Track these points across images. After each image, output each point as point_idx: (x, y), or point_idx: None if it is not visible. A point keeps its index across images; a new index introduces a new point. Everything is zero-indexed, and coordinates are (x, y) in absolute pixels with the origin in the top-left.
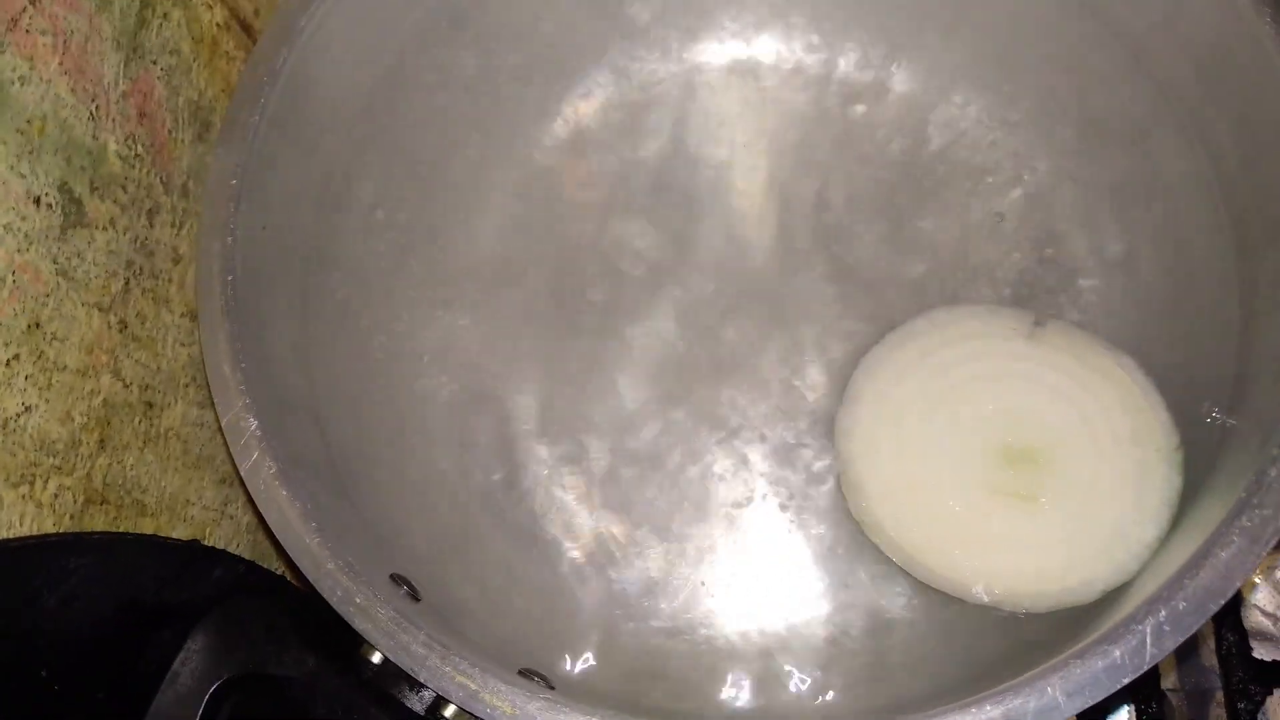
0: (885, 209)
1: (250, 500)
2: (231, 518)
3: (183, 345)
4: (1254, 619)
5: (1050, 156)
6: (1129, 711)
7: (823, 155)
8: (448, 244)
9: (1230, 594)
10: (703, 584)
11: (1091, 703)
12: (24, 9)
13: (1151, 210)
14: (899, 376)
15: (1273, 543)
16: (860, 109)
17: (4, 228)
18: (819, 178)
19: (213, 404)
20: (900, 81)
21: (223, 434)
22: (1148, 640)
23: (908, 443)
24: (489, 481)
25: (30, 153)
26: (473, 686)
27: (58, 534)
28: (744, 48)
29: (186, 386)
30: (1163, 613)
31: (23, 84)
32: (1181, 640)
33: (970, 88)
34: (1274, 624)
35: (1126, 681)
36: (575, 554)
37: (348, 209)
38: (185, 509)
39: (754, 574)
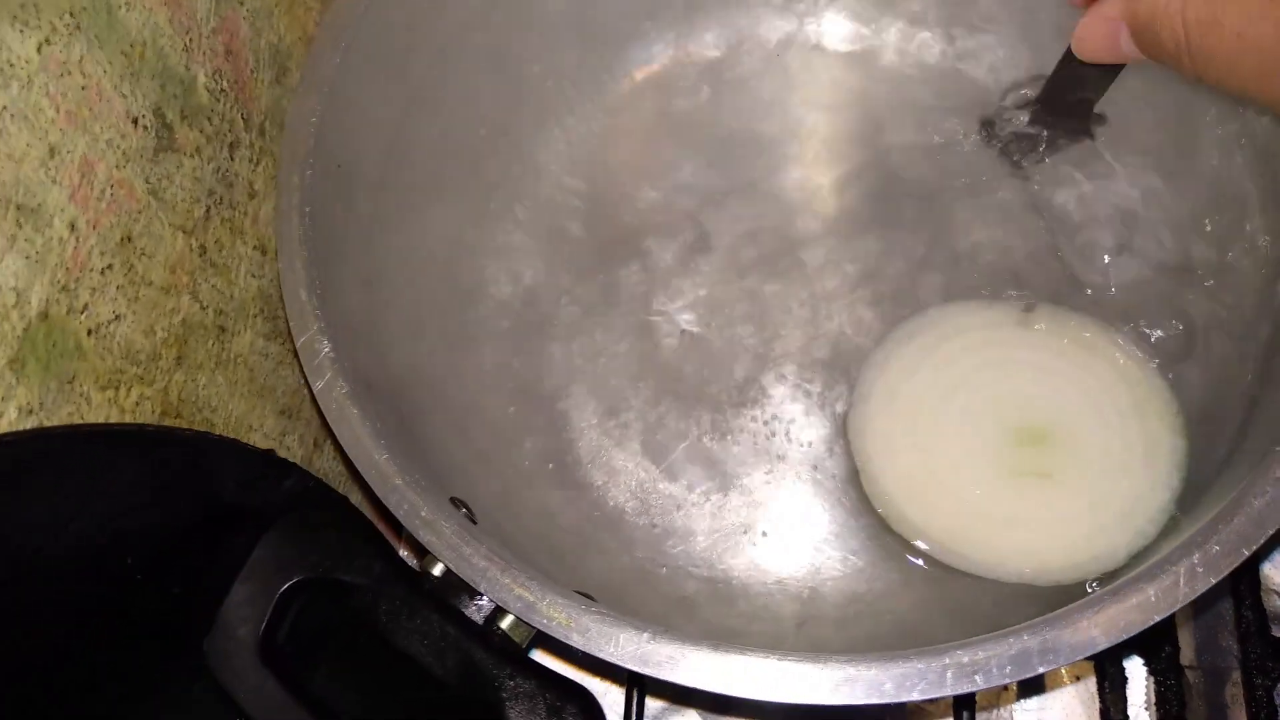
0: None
1: (310, 429)
2: (289, 449)
3: (253, 277)
4: (1272, 603)
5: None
6: (1148, 686)
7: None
8: (509, 187)
9: (1262, 540)
10: (744, 533)
11: (1124, 638)
12: None
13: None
14: (906, 372)
15: None
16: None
17: (106, 143)
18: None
19: (279, 334)
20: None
21: (297, 356)
22: (1181, 580)
23: (922, 435)
24: (536, 422)
25: (131, 75)
26: (530, 598)
27: (153, 426)
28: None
29: (255, 317)
30: (1197, 555)
31: (128, 9)
32: (1214, 582)
33: None
34: None
35: (1158, 619)
36: (617, 499)
37: (416, 152)
38: (248, 434)
39: (789, 528)
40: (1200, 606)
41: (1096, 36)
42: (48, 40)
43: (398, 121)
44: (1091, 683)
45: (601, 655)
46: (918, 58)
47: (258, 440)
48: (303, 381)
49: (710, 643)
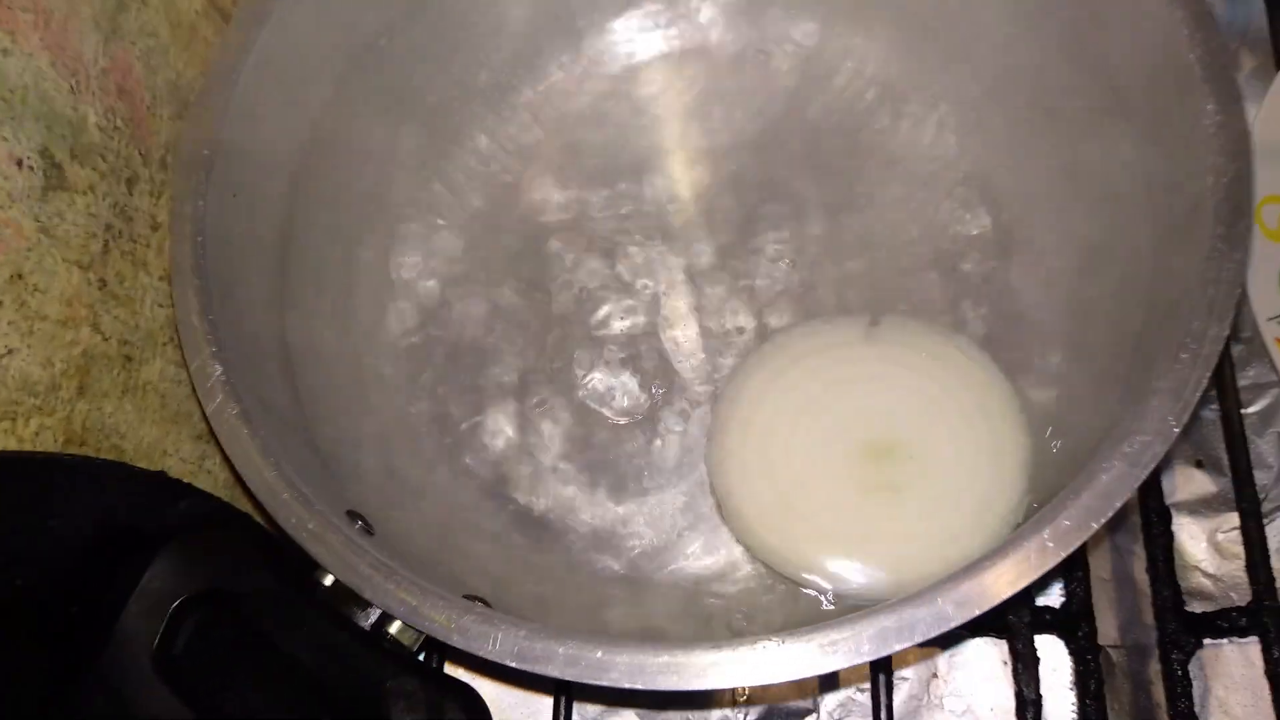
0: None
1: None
2: (209, 472)
3: (161, 306)
4: (1195, 580)
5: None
6: (1071, 668)
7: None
8: (414, 208)
9: (1110, 513)
10: (644, 537)
11: (977, 613)
12: None
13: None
14: (756, 401)
15: (1150, 466)
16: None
17: None
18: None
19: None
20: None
21: (190, 380)
22: (1032, 555)
23: (775, 462)
24: (449, 432)
25: (13, 119)
26: (413, 602)
27: (39, 452)
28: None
29: (165, 345)
30: (1047, 530)
31: (5, 55)
32: (1065, 555)
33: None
34: (1214, 584)
35: (1008, 595)
36: (531, 506)
37: (318, 179)
38: (162, 459)
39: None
40: (1122, 586)
41: None
42: None
43: (301, 150)
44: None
45: (480, 653)
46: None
47: (174, 465)
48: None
49: (583, 636)
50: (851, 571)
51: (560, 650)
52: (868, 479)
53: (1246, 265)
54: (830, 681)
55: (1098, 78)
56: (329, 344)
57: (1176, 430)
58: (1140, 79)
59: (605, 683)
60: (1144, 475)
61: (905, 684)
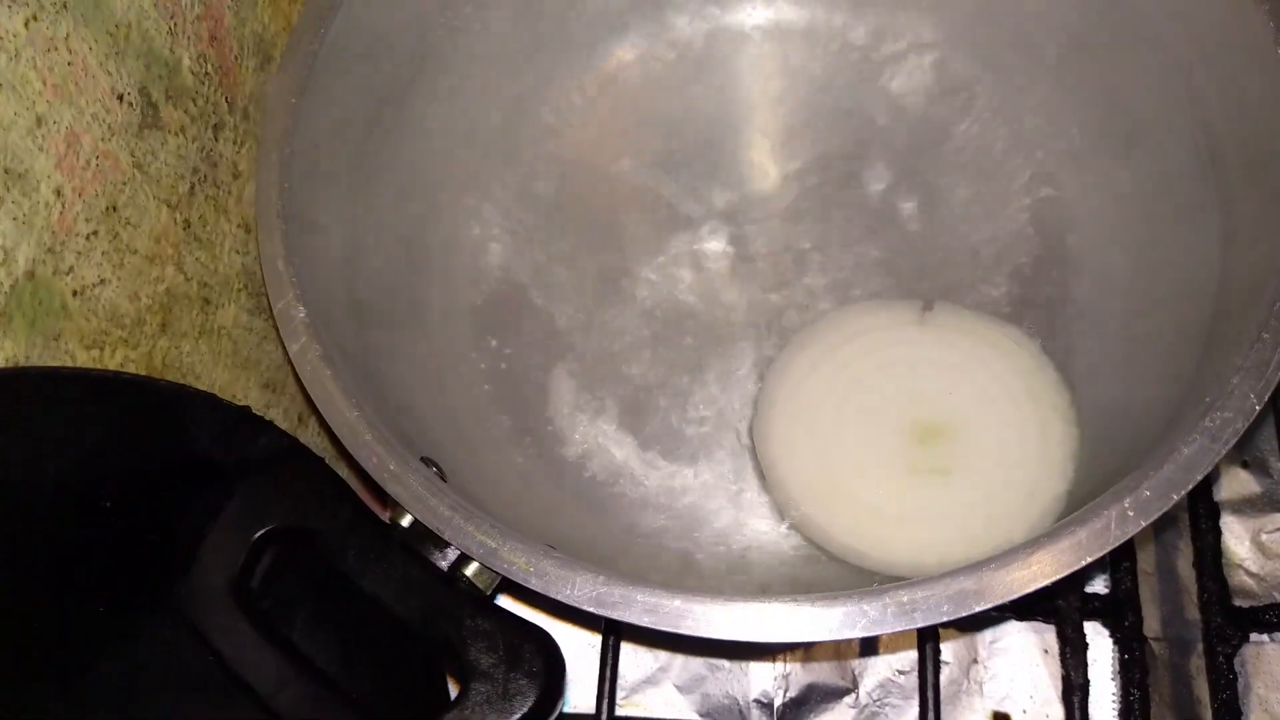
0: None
1: (294, 403)
2: (274, 420)
3: (237, 253)
4: (1238, 578)
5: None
6: (1112, 656)
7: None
8: (486, 171)
9: (1190, 486)
10: (713, 509)
11: (1057, 577)
12: None
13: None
14: (805, 377)
15: (1232, 442)
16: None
17: (91, 116)
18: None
19: (263, 310)
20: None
21: (275, 323)
22: (1112, 523)
23: (824, 439)
24: (511, 393)
25: (116, 54)
26: (492, 544)
27: (130, 374)
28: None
29: (239, 292)
30: (1128, 499)
31: None
32: (1144, 525)
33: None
34: (1257, 583)
35: (1088, 561)
36: (588, 470)
37: (399, 131)
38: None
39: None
40: (1166, 580)
41: None
42: (35, 17)
43: (374, 108)
44: (1055, 649)
45: (559, 597)
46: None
47: None
48: (287, 357)
49: (660, 585)
50: (893, 550)
51: (639, 598)
52: (915, 460)
53: None
54: (869, 664)
55: (1174, 78)
56: (399, 297)
57: (1258, 407)
58: (1219, 77)
59: (682, 630)
60: (1224, 450)
61: (946, 668)
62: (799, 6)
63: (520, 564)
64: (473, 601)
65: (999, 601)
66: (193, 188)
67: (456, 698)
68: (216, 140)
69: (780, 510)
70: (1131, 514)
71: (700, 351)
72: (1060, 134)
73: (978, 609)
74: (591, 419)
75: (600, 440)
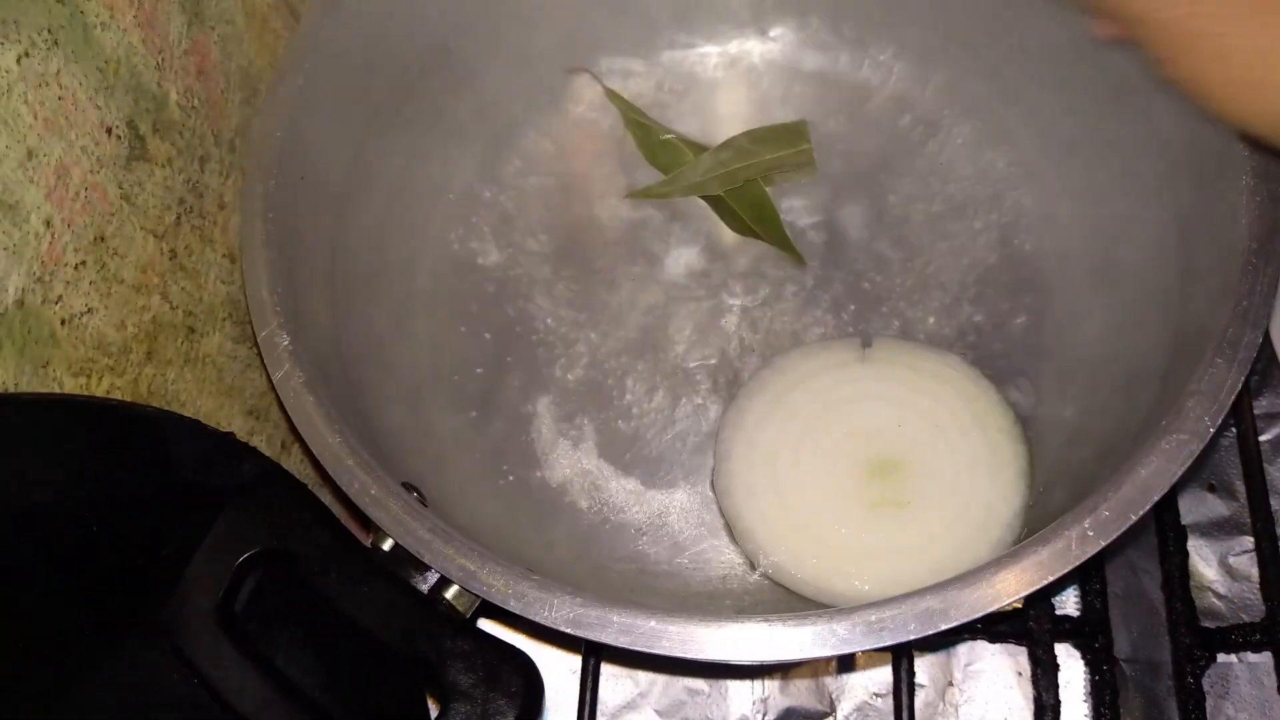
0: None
1: (278, 430)
2: (258, 446)
3: (222, 283)
4: (1207, 600)
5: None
6: (1085, 678)
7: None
8: (468, 200)
9: (1147, 506)
10: (692, 536)
11: (1020, 596)
12: None
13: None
14: (758, 427)
15: (1187, 464)
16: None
17: (81, 149)
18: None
19: (247, 338)
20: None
21: (259, 351)
22: (1073, 543)
23: (783, 485)
24: (494, 420)
25: (106, 89)
26: (471, 567)
27: (116, 400)
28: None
29: (224, 320)
30: (1088, 520)
31: (104, 29)
32: (1103, 545)
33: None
34: (1225, 605)
35: (1050, 580)
36: (568, 497)
37: (374, 167)
38: None
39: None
40: (1132, 604)
41: None
42: (26, 53)
43: (359, 139)
44: (1029, 671)
45: (537, 619)
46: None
47: None
48: (271, 384)
49: (636, 606)
50: (864, 587)
51: (615, 619)
52: (872, 496)
53: None
54: (846, 687)
55: (1132, 100)
56: (378, 325)
57: (1212, 430)
58: (1175, 103)
59: (658, 650)
60: (1179, 471)
61: (922, 691)
62: (773, 41)
63: (499, 586)
64: (453, 623)
65: (964, 619)
66: (179, 218)
67: (436, 718)
68: (203, 172)
69: (751, 560)
70: (1091, 534)
71: (675, 381)
72: (1020, 162)
73: (943, 627)
74: (571, 447)
75: (580, 467)
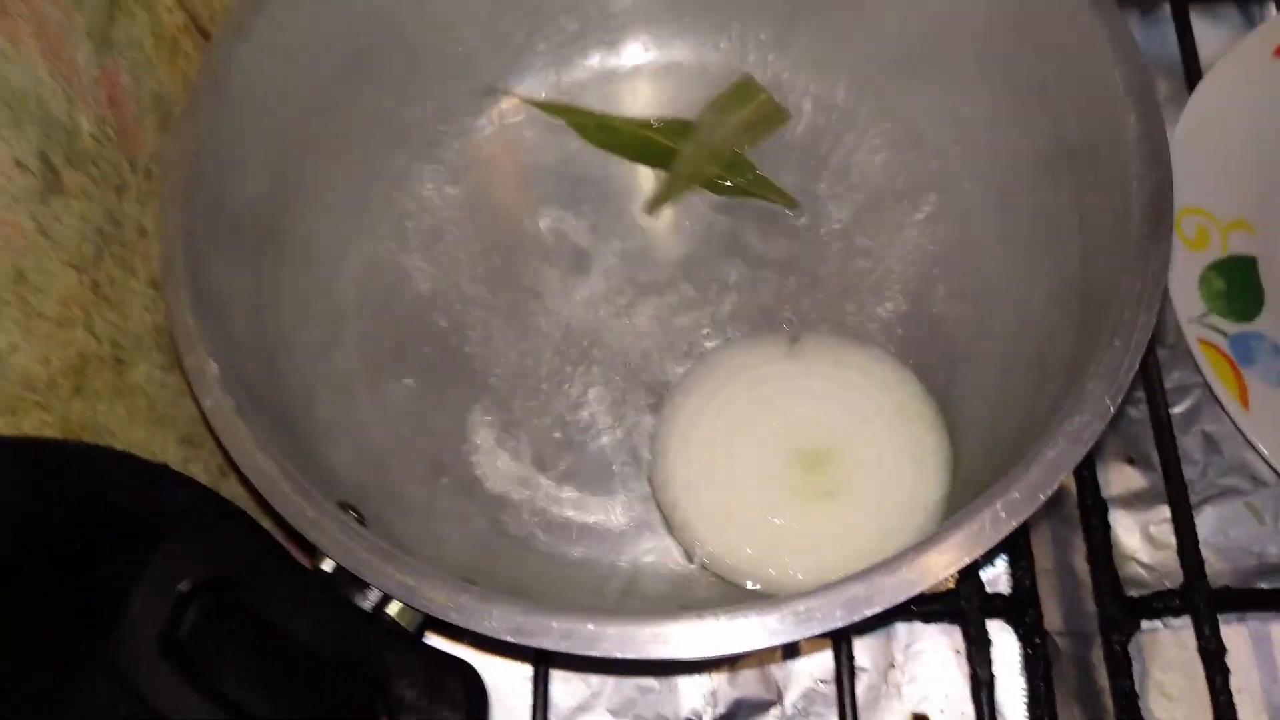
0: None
1: (214, 456)
2: (194, 476)
3: (147, 311)
4: (1131, 569)
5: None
6: (1019, 652)
7: None
8: (391, 220)
9: (1054, 486)
10: (633, 538)
11: (941, 577)
12: None
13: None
14: (693, 419)
15: (1091, 443)
16: None
17: None
18: None
19: (176, 366)
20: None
21: (186, 378)
22: (987, 525)
23: (717, 478)
24: (429, 435)
25: (14, 123)
26: (411, 583)
27: (48, 437)
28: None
29: (151, 350)
30: (999, 502)
31: (7, 61)
32: (1016, 525)
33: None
34: (1149, 573)
35: (968, 561)
36: (508, 506)
37: (296, 186)
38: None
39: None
40: (1064, 576)
41: None
42: None
43: (278, 158)
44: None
45: (479, 629)
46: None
47: None
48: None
49: (576, 611)
50: (797, 575)
51: (554, 625)
52: (803, 486)
53: (1169, 261)
54: (792, 676)
55: (1030, 97)
56: (312, 342)
57: (1112, 410)
58: (1070, 98)
59: (596, 653)
60: (1084, 451)
61: (864, 675)
62: (684, 46)
63: (439, 600)
64: (398, 639)
65: (889, 604)
66: (99, 249)
67: None
68: (120, 201)
69: (688, 551)
70: (1004, 515)
71: (608, 387)
72: (934, 156)
73: (869, 613)
74: (510, 456)
75: (516, 475)
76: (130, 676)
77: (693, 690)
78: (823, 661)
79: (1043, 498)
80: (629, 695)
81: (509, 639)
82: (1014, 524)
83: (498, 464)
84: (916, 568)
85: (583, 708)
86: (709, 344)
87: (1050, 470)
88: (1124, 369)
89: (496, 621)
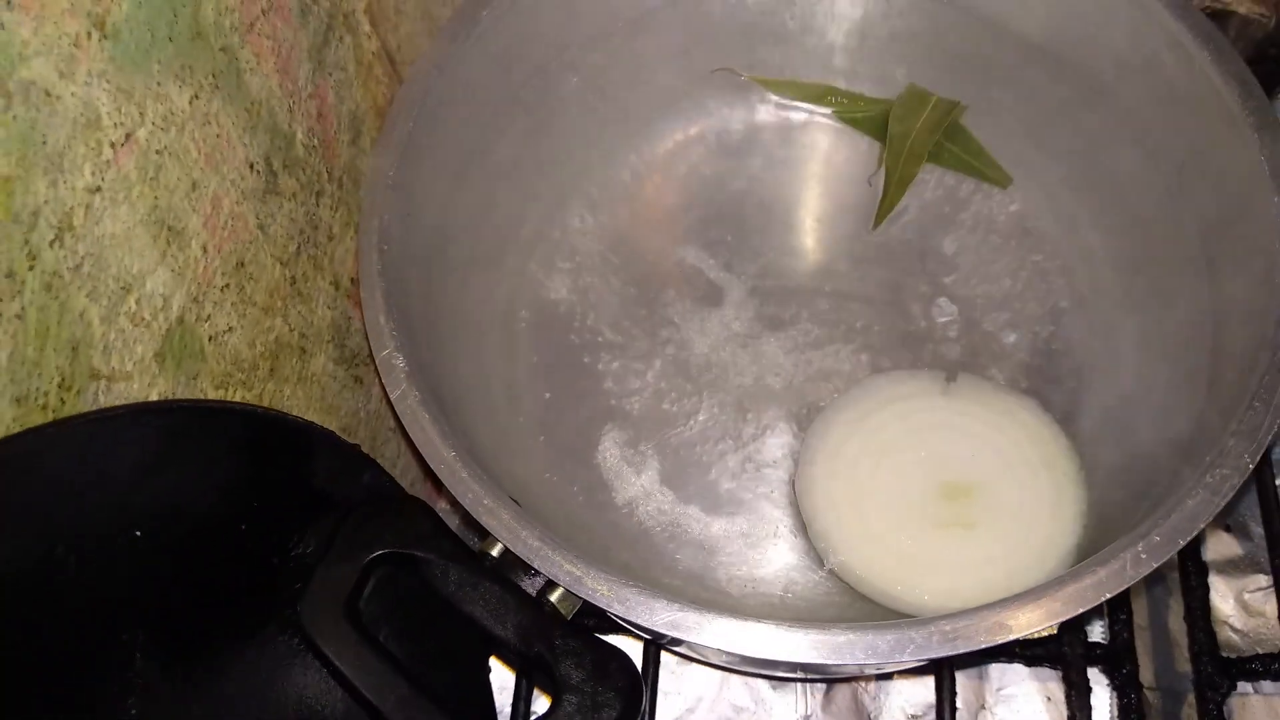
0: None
1: (362, 444)
2: None
3: (328, 308)
4: (1224, 634)
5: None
6: (1110, 701)
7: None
8: (546, 246)
9: (1194, 533)
10: (753, 557)
11: (1080, 611)
12: (258, 17)
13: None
14: (845, 437)
15: (1229, 495)
16: None
17: (230, 182)
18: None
19: (345, 360)
20: None
21: (359, 381)
22: (1128, 564)
23: (861, 494)
24: (562, 448)
25: (251, 128)
26: (578, 573)
27: (273, 410)
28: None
29: (328, 343)
30: (1140, 544)
31: (251, 74)
32: (1155, 566)
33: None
34: (1241, 639)
35: (1108, 596)
36: (634, 518)
37: (464, 206)
38: None
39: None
40: (1157, 634)
41: None
42: (196, 95)
43: (452, 181)
44: (1057, 696)
45: (640, 622)
46: None
47: None
48: (360, 404)
49: (729, 611)
50: (922, 595)
51: (711, 623)
52: (942, 515)
53: None
54: (884, 705)
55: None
56: (456, 351)
57: (1251, 466)
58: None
59: (751, 653)
60: (1222, 503)
61: (957, 712)
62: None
63: (604, 591)
64: (561, 623)
65: (1029, 631)
66: (299, 248)
67: (550, 708)
68: (318, 206)
69: (821, 557)
70: (1144, 556)
71: (735, 413)
72: (1070, 229)
73: (1011, 638)
74: (636, 473)
75: (644, 491)
76: (316, 635)
77: (786, 713)
78: (914, 693)
79: (1181, 543)
80: (724, 714)
81: (668, 633)
82: (1153, 565)
83: (625, 479)
84: (1057, 600)
85: None
86: (836, 382)
87: (1190, 518)
88: (1264, 430)
89: (658, 615)
